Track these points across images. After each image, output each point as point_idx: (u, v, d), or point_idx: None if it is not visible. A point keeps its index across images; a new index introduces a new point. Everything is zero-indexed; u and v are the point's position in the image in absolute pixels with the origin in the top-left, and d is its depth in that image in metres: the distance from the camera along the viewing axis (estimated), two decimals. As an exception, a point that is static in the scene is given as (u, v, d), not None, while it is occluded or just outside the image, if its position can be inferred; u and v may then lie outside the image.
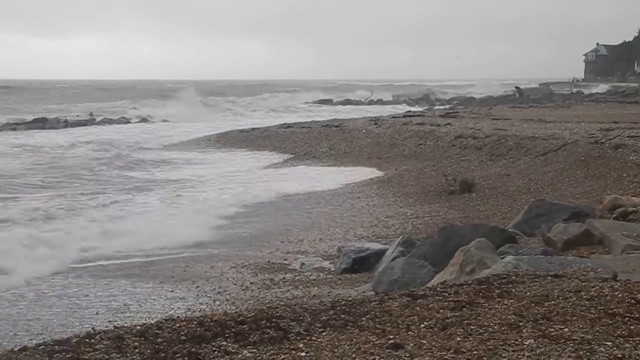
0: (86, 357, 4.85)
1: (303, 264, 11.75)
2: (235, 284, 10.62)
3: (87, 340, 5.18)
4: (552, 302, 5.69)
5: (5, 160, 27.20)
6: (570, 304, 5.62)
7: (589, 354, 4.63)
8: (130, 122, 50.64)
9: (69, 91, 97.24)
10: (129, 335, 5.25)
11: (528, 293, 5.97)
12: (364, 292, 9.15)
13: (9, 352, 5.03)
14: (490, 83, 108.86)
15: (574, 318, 5.29)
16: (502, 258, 8.18)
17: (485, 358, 4.62)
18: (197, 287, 10.58)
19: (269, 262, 11.92)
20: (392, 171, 21.92)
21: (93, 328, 5.48)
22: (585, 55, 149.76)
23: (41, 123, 45.73)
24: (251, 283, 10.63)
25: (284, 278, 10.91)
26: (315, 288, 10.13)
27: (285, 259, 12.05)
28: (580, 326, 5.11)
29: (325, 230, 14.42)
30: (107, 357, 4.86)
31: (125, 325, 5.53)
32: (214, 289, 10.41)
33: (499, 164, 20.41)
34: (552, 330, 5.06)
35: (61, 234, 13.98)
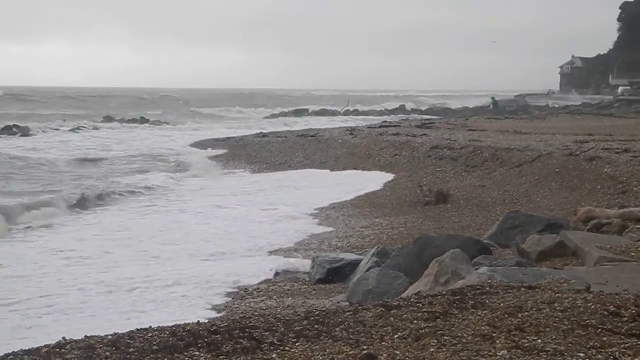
0: (56, 367, 4.80)
1: (277, 273, 11.70)
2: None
3: (58, 349, 5.13)
4: (526, 313, 5.69)
5: None
6: (543, 315, 5.63)
7: (562, 365, 4.64)
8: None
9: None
10: (100, 345, 5.20)
11: (502, 304, 5.97)
12: (338, 302, 9.13)
13: (-23, 363, 4.96)
14: (467, 94, 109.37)
15: (547, 329, 5.30)
16: (476, 269, 8.18)
17: (458, 369, 4.61)
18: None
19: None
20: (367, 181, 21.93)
21: (63, 337, 5.41)
22: (560, 67, 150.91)
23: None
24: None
25: (257, 288, 10.86)
26: (290, 298, 10.09)
27: (258, 268, 12.01)
28: (553, 337, 5.11)
29: (297, 239, 14.39)
30: (77, 367, 4.81)
31: (96, 334, 5.47)
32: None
33: (474, 175, 20.49)
34: (525, 341, 5.05)
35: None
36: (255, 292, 10.56)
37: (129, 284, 11.16)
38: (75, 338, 5.35)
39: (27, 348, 5.17)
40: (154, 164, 28.82)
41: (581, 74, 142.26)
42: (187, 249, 13.59)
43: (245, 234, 15.00)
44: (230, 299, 10.29)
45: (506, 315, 5.64)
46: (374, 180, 21.87)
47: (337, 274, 10.92)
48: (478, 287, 6.65)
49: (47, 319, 9.70)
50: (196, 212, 17.84)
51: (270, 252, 13.26)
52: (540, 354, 4.81)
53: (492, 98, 77.20)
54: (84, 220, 17.12)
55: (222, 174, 26.11)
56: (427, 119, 51.16)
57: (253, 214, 17.43)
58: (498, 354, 4.84)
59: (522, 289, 6.49)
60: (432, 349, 4.98)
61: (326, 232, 15.06)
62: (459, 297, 6.28)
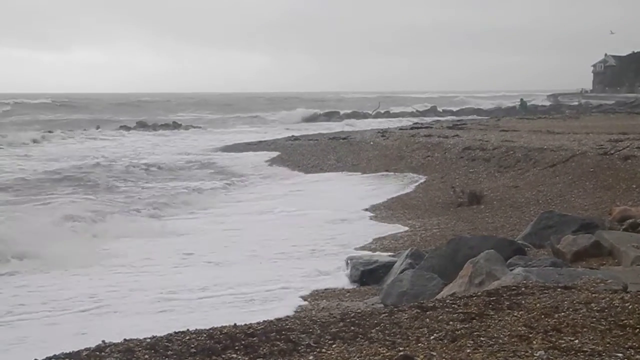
0: (96, 370, 4.86)
1: (310, 276, 11.73)
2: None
3: (98, 353, 5.19)
4: (562, 313, 5.68)
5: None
6: (580, 315, 5.61)
7: (599, 365, 4.62)
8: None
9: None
10: (139, 348, 5.26)
11: (538, 305, 5.96)
12: (372, 304, 9.14)
13: (19, 365, 5.04)
14: (499, 95, 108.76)
15: (585, 330, 5.28)
16: (511, 270, 8.16)
17: (495, 370, 4.61)
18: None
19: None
20: (399, 183, 21.91)
21: (103, 341, 5.48)
22: (593, 66, 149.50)
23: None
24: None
25: (290, 288, 10.93)
26: (324, 300, 10.11)
27: (294, 271, 12.06)
28: (591, 338, 5.10)
29: (333, 242, 14.42)
30: (117, 369, 4.88)
31: (135, 338, 5.54)
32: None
33: (507, 176, 20.38)
34: (563, 342, 5.04)
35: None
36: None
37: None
38: (114, 342, 5.41)
39: (68, 351, 5.25)
40: (193, 170, 28.80)
41: (614, 72, 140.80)
42: (264, 252, 13.69)
43: (290, 239, 15.04)
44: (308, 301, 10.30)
45: (543, 316, 5.62)
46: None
47: (371, 276, 10.93)
48: (513, 287, 6.64)
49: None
50: (244, 217, 17.97)
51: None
52: (578, 354, 4.80)
53: (521, 99, 76.85)
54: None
55: (261, 177, 26.12)
56: (458, 120, 50.96)
57: (287, 218, 17.49)
58: (535, 354, 4.83)
59: (558, 289, 6.47)
60: (468, 350, 4.98)
61: (359, 233, 15.08)
62: (494, 298, 6.28)
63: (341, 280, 11.22)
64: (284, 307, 9.82)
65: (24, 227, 14.99)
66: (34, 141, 42.14)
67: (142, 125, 56.46)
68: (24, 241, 13.70)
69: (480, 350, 4.96)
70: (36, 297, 10.87)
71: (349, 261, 11.41)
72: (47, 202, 19.69)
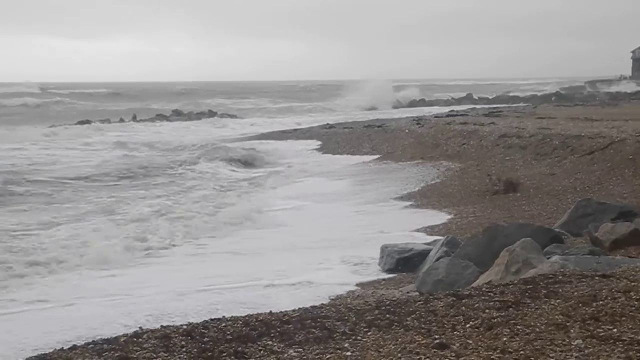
0: (134, 356, 4.91)
1: (346, 263, 11.75)
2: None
3: (135, 339, 5.24)
4: (601, 302, 5.63)
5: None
6: (619, 304, 5.56)
7: (639, 354, 4.57)
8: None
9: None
10: (176, 335, 5.30)
11: (575, 293, 5.91)
12: (408, 292, 9.12)
13: (59, 351, 5.10)
14: (535, 82, 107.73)
15: (623, 318, 5.23)
16: (548, 258, 8.10)
17: (532, 358, 4.58)
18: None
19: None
20: (434, 170, 21.82)
21: (140, 327, 5.53)
22: (632, 52, 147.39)
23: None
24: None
25: (324, 275, 10.97)
26: (359, 288, 10.12)
27: (330, 259, 12.09)
28: (630, 327, 5.05)
29: (368, 229, 14.43)
30: (154, 355, 4.91)
31: (172, 324, 5.58)
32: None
33: (544, 163, 20.21)
34: (601, 330, 5.00)
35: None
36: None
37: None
38: (151, 328, 5.46)
39: (106, 337, 5.30)
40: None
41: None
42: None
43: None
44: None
45: (580, 305, 5.58)
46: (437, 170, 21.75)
47: (406, 263, 10.91)
48: (550, 276, 6.59)
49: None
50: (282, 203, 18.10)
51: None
52: (617, 343, 4.76)
53: (558, 91, 76.29)
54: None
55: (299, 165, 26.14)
56: (494, 108, 50.60)
57: (322, 205, 17.52)
58: (573, 343, 4.80)
59: (596, 277, 6.41)
60: (505, 339, 4.96)
61: (394, 221, 15.07)
62: (531, 286, 6.24)
63: (376, 268, 11.22)
64: (319, 295, 9.85)
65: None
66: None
67: (177, 114, 56.74)
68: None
69: (517, 339, 4.93)
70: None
71: (384, 249, 11.38)
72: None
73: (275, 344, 5.08)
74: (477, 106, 60.19)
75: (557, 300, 5.74)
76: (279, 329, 5.37)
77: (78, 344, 5.28)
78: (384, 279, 10.63)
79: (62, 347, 5.25)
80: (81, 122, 47.02)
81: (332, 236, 14.14)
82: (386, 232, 13.97)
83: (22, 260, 12.42)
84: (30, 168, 25.46)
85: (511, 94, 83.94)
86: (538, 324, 5.20)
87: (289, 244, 13.59)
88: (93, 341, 5.28)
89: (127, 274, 12.05)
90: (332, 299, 9.35)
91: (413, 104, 71.94)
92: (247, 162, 26.90)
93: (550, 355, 4.62)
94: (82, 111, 63.73)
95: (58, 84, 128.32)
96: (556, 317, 5.34)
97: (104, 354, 4.97)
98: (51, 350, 5.16)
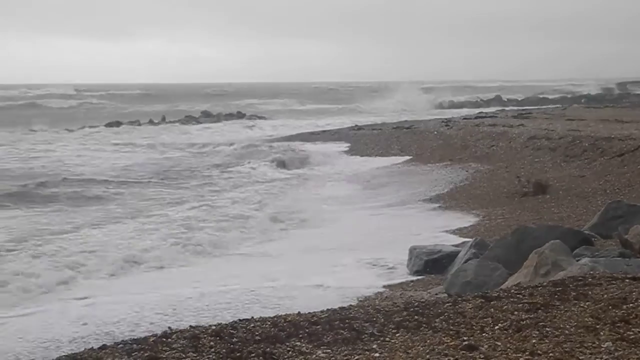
0: (163, 356, 4.95)
1: (374, 264, 11.76)
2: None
3: (164, 339, 5.28)
4: (631, 304, 5.59)
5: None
6: (649, 306, 5.52)
7: (669, 357, 4.54)
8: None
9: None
10: (205, 335, 5.34)
11: (605, 295, 5.87)
12: (436, 294, 9.11)
13: (89, 350, 5.15)
14: (565, 84, 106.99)
15: (654, 321, 5.19)
16: (577, 260, 8.05)
17: (561, 360, 4.57)
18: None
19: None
20: (463, 172, 21.74)
21: (169, 327, 5.57)
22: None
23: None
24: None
25: (352, 277, 10.98)
26: (387, 290, 10.11)
27: (358, 260, 12.10)
28: (660, 330, 5.01)
29: (397, 231, 14.43)
30: (183, 356, 4.95)
31: (201, 325, 5.62)
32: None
33: (573, 165, 20.08)
34: (631, 333, 4.97)
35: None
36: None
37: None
38: (180, 328, 5.50)
39: (135, 337, 5.35)
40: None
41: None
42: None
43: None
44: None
45: (610, 307, 5.55)
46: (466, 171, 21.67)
47: (434, 265, 10.89)
48: (580, 278, 6.56)
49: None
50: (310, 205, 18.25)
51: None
52: (647, 346, 4.72)
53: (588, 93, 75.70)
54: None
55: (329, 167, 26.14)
56: (523, 109, 50.30)
57: (350, 206, 17.53)
58: (602, 346, 4.77)
59: (627, 280, 6.37)
60: (534, 341, 4.94)
61: (422, 222, 15.04)
62: (560, 288, 6.21)
63: (404, 270, 11.21)
64: (347, 296, 9.86)
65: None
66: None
67: (206, 115, 56.93)
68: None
69: (546, 341, 4.92)
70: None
71: (412, 251, 11.37)
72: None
73: (303, 345, 5.10)
74: (506, 108, 59.89)
75: (587, 303, 5.71)
76: (307, 330, 5.39)
77: (108, 344, 5.33)
78: (412, 281, 10.61)
79: (92, 347, 5.31)
80: (109, 125, 47.22)
81: (359, 237, 14.14)
82: (414, 234, 13.94)
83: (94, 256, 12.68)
84: (80, 169, 25.77)
85: (540, 96, 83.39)
86: (567, 326, 5.18)
87: (313, 246, 13.63)
88: (123, 341, 5.34)
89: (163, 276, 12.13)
90: (360, 301, 9.34)
91: (442, 105, 71.70)
92: (280, 164, 26.80)
93: (580, 357, 4.60)
94: (113, 112, 64.09)
95: (89, 85, 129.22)
96: (586, 319, 5.31)
97: (133, 354, 5.02)
98: (82, 350, 5.22)
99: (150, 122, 50.53)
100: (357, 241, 13.83)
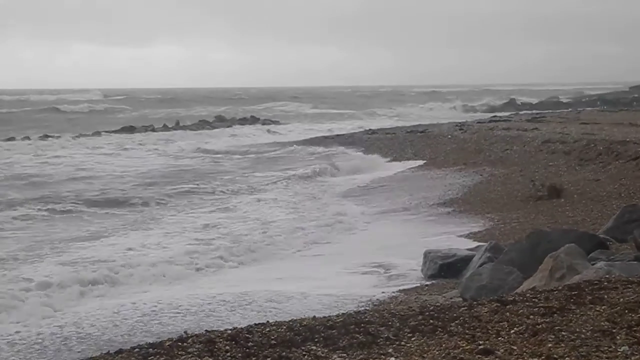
0: (179, 360, 4.97)
1: (388, 269, 11.76)
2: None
3: (180, 343, 5.30)
4: (647, 308, 5.57)
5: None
6: (666, 310, 5.50)
7: (686, 361, 4.52)
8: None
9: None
10: (220, 339, 5.35)
11: (621, 299, 5.85)
12: (451, 298, 9.10)
13: (105, 355, 5.18)
14: (580, 87, 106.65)
15: (670, 325, 5.17)
16: (593, 264, 8.04)
17: (578, 364, 4.55)
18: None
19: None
20: (477, 176, 21.70)
21: (185, 332, 5.59)
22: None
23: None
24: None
25: (367, 281, 10.98)
26: (402, 294, 10.11)
27: (372, 264, 12.10)
28: (677, 333, 4.99)
29: (411, 235, 14.42)
30: (199, 359, 4.97)
31: (217, 329, 5.63)
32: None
33: (588, 169, 20.02)
34: (647, 337, 4.95)
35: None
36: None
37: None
38: (196, 332, 5.52)
39: (151, 342, 5.37)
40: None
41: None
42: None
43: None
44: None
45: (626, 311, 5.53)
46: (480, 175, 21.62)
47: (449, 269, 10.88)
48: (596, 282, 6.54)
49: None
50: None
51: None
52: (664, 350, 4.71)
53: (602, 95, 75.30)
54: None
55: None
56: (537, 113, 50.18)
57: (363, 210, 17.53)
58: (619, 350, 4.76)
59: (643, 284, 6.34)
60: (549, 345, 4.93)
61: (436, 227, 15.03)
62: (576, 292, 6.19)
63: (419, 274, 11.20)
64: (361, 301, 9.86)
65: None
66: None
67: (220, 120, 57.04)
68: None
69: (562, 345, 4.91)
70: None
71: (427, 255, 11.36)
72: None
73: (319, 349, 5.11)
74: (520, 112, 59.78)
75: (603, 307, 5.69)
76: (322, 334, 5.40)
77: (124, 348, 5.35)
78: (426, 285, 10.61)
79: (109, 351, 5.34)
80: (123, 129, 47.29)
81: (373, 242, 14.14)
82: (429, 238, 13.94)
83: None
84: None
85: (555, 100, 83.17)
86: (583, 330, 5.16)
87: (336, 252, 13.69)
88: (138, 345, 5.36)
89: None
90: (375, 305, 9.34)
91: (455, 108, 71.60)
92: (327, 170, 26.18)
93: (596, 362, 4.59)
94: (129, 118, 64.14)
95: (113, 90, 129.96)
96: (602, 323, 5.30)
97: (149, 358, 5.04)
98: (98, 354, 5.25)
99: (165, 127, 50.61)
100: (371, 245, 13.83)
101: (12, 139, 39.90)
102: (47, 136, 41.71)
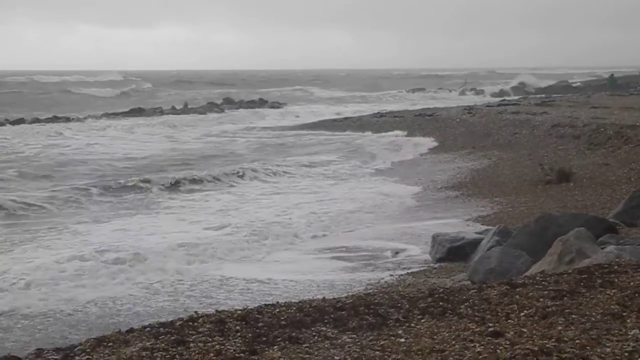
0: (190, 340, 4.98)
1: (397, 252, 11.77)
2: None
3: (191, 323, 5.32)
4: (657, 292, 5.57)
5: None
6: (676, 294, 5.49)
7: (696, 345, 4.52)
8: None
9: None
10: (231, 319, 5.37)
11: (632, 283, 5.85)
12: (459, 281, 9.11)
13: (116, 333, 5.20)
14: (589, 71, 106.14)
15: (680, 308, 5.17)
16: (602, 248, 8.02)
17: (588, 347, 4.55)
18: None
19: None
20: (486, 160, 21.67)
21: (195, 312, 5.61)
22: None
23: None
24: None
25: (376, 264, 11.00)
26: (410, 277, 10.12)
27: (379, 247, 12.12)
28: (687, 317, 4.99)
29: (420, 219, 14.42)
30: (209, 339, 4.99)
31: (227, 309, 5.65)
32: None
33: (597, 153, 19.96)
34: (658, 320, 4.95)
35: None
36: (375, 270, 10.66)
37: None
38: (207, 312, 5.54)
39: (162, 321, 5.39)
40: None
41: None
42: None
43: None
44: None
45: (637, 295, 5.53)
46: (489, 159, 21.58)
47: (457, 253, 10.87)
48: (606, 265, 6.54)
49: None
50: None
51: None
52: (674, 333, 4.71)
53: (611, 75, 74.64)
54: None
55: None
56: (547, 97, 49.98)
57: (372, 195, 17.52)
58: (629, 333, 4.76)
59: (653, 268, 6.34)
60: (559, 327, 4.94)
61: (445, 210, 15.03)
62: (585, 275, 6.19)
63: (427, 257, 11.21)
64: (370, 283, 9.89)
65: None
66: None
67: (228, 102, 56.97)
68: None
69: (572, 328, 4.91)
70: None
71: (435, 238, 11.36)
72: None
73: (329, 330, 5.12)
74: (530, 96, 59.56)
75: (613, 290, 5.69)
76: (332, 315, 5.41)
77: (135, 327, 5.38)
78: (434, 268, 10.62)
79: (120, 330, 5.36)
80: (132, 111, 47.28)
81: (382, 225, 14.14)
82: (437, 221, 13.94)
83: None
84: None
85: (564, 83, 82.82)
86: (594, 314, 5.17)
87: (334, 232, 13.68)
88: (149, 324, 5.39)
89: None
90: (384, 287, 9.36)
91: (464, 92, 71.41)
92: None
93: (607, 344, 4.59)
94: (136, 100, 63.96)
95: (97, 71, 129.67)
96: (612, 306, 5.30)
97: (160, 337, 5.06)
98: (109, 333, 5.27)
99: (173, 108, 50.53)
100: (377, 227, 13.84)
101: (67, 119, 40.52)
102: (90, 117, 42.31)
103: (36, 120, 40.44)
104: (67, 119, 41.63)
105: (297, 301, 5.88)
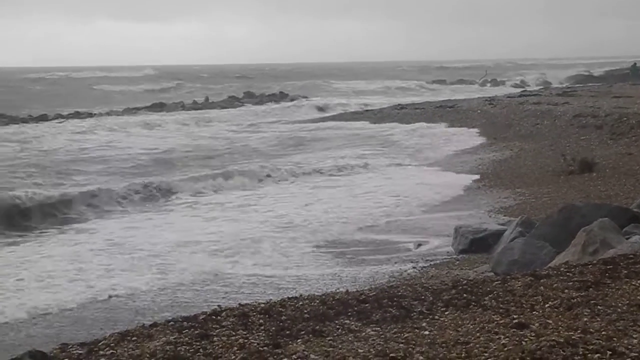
0: (213, 333, 4.98)
1: (419, 244, 11.75)
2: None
3: (214, 317, 5.33)
4: (684, 282, 5.51)
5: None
6: (703, 284, 5.44)
7: None
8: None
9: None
10: (254, 313, 5.37)
11: (658, 274, 5.80)
12: (482, 272, 9.06)
13: (140, 327, 5.21)
14: (611, 61, 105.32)
15: None
16: (627, 238, 7.96)
17: (614, 339, 4.51)
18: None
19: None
20: (507, 151, 21.57)
21: (219, 305, 5.61)
22: None
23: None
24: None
25: (399, 257, 10.98)
26: (433, 269, 10.09)
27: (402, 239, 12.10)
28: None
29: (441, 210, 14.38)
30: (233, 333, 4.99)
31: (250, 303, 5.65)
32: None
33: (620, 143, 19.82)
34: (686, 311, 4.90)
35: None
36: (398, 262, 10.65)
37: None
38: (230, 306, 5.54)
39: (185, 315, 5.40)
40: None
41: None
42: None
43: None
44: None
45: (663, 285, 5.48)
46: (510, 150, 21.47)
47: (480, 244, 10.83)
48: (631, 256, 6.49)
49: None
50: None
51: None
52: (701, 323, 4.66)
53: (634, 64, 73.95)
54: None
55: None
56: (568, 87, 49.67)
57: (393, 184, 17.50)
58: (656, 324, 4.71)
59: (679, 258, 6.28)
60: (585, 319, 4.90)
61: (468, 202, 14.98)
62: (611, 266, 6.14)
63: (449, 249, 11.18)
64: (392, 275, 9.87)
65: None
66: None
67: (249, 96, 56.99)
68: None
69: (598, 319, 4.87)
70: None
71: (458, 229, 11.31)
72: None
73: (352, 323, 5.11)
74: (551, 86, 59.24)
75: (639, 281, 5.64)
76: (356, 308, 5.40)
77: (159, 322, 5.39)
78: (457, 259, 10.58)
79: (144, 324, 5.37)
80: (154, 106, 47.34)
81: (402, 216, 14.11)
82: (459, 212, 13.89)
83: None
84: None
85: (585, 74, 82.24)
86: (619, 305, 5.12)
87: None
88: (173, 318, 5.39)
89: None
90: (407, 280, 9.33)
91: (484, 83, 71.13)
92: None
93: (634, 336, 4.54)
94: (157, 95, 64.02)
95: (114, 67, 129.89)
96: (638, 297, 5.25)
97: (184, 331, 5.07)
98: (133, 327, 5.28)
99: (194, 103, 50.61)
100: (400, 218, 13.82)
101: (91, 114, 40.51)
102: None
103: (59, 116, 40.55)
104: (90, 115, 41.71)
105: (320, 294, 5.87)
